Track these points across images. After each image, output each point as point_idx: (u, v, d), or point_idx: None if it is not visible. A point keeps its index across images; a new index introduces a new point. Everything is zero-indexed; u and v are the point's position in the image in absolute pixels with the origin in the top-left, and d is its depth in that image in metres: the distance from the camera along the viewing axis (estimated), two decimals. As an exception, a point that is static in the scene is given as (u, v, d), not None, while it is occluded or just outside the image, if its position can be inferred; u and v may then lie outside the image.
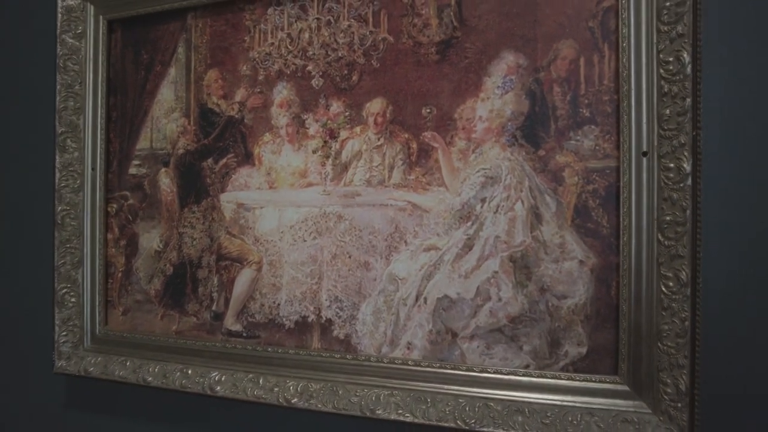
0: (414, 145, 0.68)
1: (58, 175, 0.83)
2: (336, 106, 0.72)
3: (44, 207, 0.86)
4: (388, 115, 0.70)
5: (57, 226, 0.84)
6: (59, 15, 0.84)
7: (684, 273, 0.56)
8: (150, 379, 0.78)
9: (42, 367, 0.87)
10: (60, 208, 0.84)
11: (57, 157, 0.83)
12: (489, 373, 0.64)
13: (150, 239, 0.82)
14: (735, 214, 0.59)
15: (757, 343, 0.58)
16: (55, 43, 0.84)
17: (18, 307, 0.91)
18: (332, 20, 0.72)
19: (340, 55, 0.72)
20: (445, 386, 0.65)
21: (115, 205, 0.84)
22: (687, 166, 0.56)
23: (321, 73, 0.73)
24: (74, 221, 0.84)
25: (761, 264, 0.58)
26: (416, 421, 0.64)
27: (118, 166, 0.84)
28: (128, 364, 0.80)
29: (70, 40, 0.83)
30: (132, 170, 0.83)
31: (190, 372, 0.76)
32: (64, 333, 0.84)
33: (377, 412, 0.66)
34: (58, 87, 0.83)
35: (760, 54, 0.59)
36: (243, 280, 0.76)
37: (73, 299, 0.84)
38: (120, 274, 0.84)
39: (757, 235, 0.59)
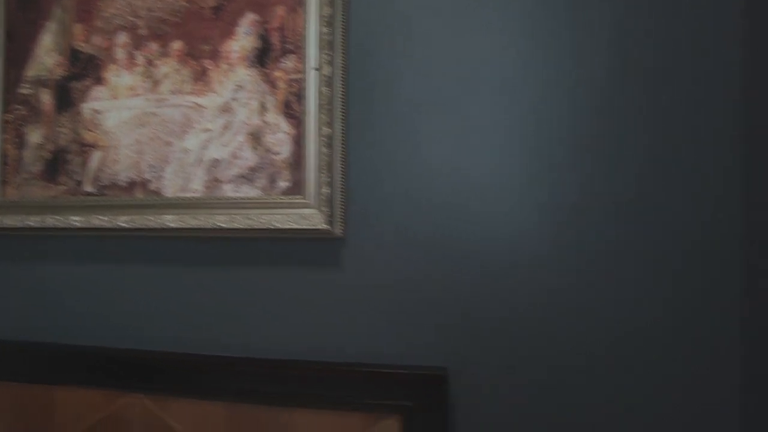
0: (199, 69, 1.12)
1: (-31, 93, 1.22)
2: (154, 46, 1.15)
3: (-41, 114, 1.25)
4: (184, 50, 1.13)
5: (-31, 128, 1.22)
6: (-29, -15, 1.23)
7: (331, 131, 1.02)
8: (32, 224, 1.17)
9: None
10: (-29, 116, 1.22)
11: (-31, 81, 1.22)
12: (238, 200, 1.08)
13: (35, 137, 1.22)
14: (359, 90, 1.05)
15: (358, 161, 1.04)
16: (-32, 3, 1.22)
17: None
18: (152, -8, 1.15)
19: (158, 15, 1.15)
20: (214, 209, 1.08)
21: (11, 115, 1.23)
22: (329, 74, 1.02)
23: (146, 27, 1.15)
24: (-19, 126, 1.22)
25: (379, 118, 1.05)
26: (197, 226, 1.07)
27: (12, 88, 1.23)
28: (18, 218, 1.19)
29: (-21, 2, 1.22)
30: (23, 90, 1.23)
31: (59, 217, 1.16)
32: (-26, 202, 1.22)
33: (172, 225, 1.09)
34: (-30, 33, 1.22)
35: None
36: (96, 159, 1.17)
37: (-20, 179, 1.22)
38: (14, 162, 1.23)
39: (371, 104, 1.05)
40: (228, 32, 1.10)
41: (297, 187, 1.05)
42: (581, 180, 0.95)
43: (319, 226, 1.02)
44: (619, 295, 0.93)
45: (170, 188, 1.12)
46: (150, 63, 1.15)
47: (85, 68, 1.19)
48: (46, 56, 1.21)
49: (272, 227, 1.04)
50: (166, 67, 1.14)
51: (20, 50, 1.23)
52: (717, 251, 0.90)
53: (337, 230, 1.03)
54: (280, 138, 1.07)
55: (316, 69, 1.04)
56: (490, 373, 0.98)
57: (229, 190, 1.09)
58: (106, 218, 1.14)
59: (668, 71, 0.93)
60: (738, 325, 0.89)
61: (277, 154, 1.07)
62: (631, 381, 0.92)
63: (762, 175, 0.86)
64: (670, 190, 0.92)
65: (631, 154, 0.94)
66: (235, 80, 1.09)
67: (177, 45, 1.13)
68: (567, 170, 0.96)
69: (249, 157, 1.08)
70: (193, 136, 1.11)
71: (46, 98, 1.21)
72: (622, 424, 0.92)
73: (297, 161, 1.05)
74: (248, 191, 1.07)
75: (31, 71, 1.22)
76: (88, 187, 1.17)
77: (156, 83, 1.14)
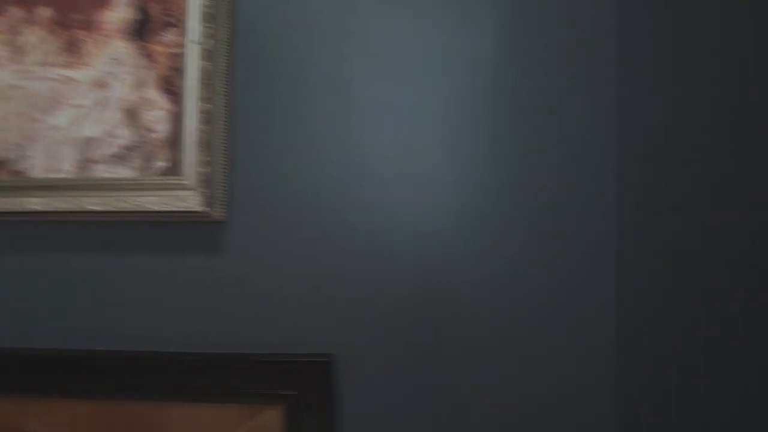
0: (70, 39, 1.03)
1: None
2: (18, 12, 1.05)
3: None
4: (53, 18, 1.04)
5: None
6: None
7: (211, 107, 0.97)
8: None
9: None
10: None
11: None
12: (110, 182, 1.00)
13: None
14: (245, 66, 1.01)
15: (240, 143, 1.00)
16: None
17: None
18: (19, -45, 1.05)
19: (26, -21, 1.05)
20: (85, 191, 1.00)
21: None
22: (211, 48, 0.97)
23: (12, -9, 1.05)
24: None
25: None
26: (66, 209, 0.99)
27: None
28: None
29: None
30: None
31: None
32: None
33: (38, 209, 0.99)
34: None
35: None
36: (-48, 136, 1.05)
37: None
38: None
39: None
40: (103, 1, 1.02)
41: (175, 168, 0.98)
42: (478, 163, 0.95)
43: (196, 209, 0.96)
44: (497, 276, 0.94)
45: (38, 168, 1.02)
46: (12, 30, 1.05)
47: (-60, 35, 1.07)
48: None
49: (146, 210, 0.97)
50: (32, 36, 1.04)
51: None
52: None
53: (217, 213, 0.97)
54: (158, 115, 1.00)
55: (197, 43, 0.98)
56: (379, 361, 0.96)
57: (102, 171, 1.01)
58: (-40, 201, 1.02)
59: (555, 60, 0.95)
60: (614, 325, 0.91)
61: (154, 132, 1.00)
62: (513, 364, 0.93)
63: (633, 171, 0.90)
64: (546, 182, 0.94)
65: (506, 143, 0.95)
66: (111, 53, 1.02)
67: (45, 12, 1.04)
68: (467, 153, 0.96)
69: (124, 136, 1.00)
70: (64, 113, 1.02)
71: None
72: (503, 406, 0.93)
73: (176, 140, 0.99)
74: (123, 172, 1.00)
75: None
76: (-57, 168, 1.05)
77: (20, 53, 1.04)
